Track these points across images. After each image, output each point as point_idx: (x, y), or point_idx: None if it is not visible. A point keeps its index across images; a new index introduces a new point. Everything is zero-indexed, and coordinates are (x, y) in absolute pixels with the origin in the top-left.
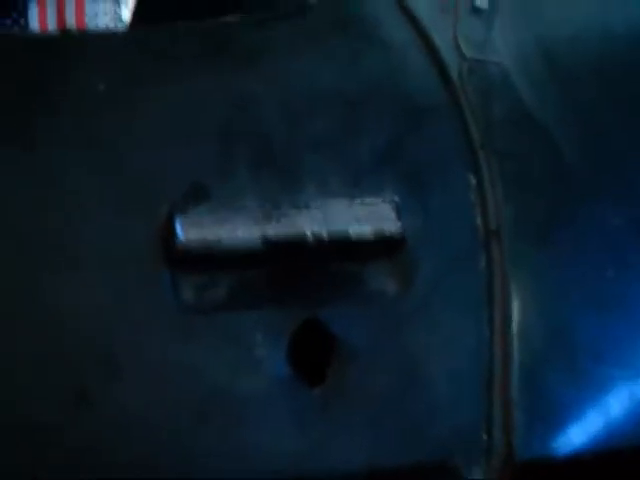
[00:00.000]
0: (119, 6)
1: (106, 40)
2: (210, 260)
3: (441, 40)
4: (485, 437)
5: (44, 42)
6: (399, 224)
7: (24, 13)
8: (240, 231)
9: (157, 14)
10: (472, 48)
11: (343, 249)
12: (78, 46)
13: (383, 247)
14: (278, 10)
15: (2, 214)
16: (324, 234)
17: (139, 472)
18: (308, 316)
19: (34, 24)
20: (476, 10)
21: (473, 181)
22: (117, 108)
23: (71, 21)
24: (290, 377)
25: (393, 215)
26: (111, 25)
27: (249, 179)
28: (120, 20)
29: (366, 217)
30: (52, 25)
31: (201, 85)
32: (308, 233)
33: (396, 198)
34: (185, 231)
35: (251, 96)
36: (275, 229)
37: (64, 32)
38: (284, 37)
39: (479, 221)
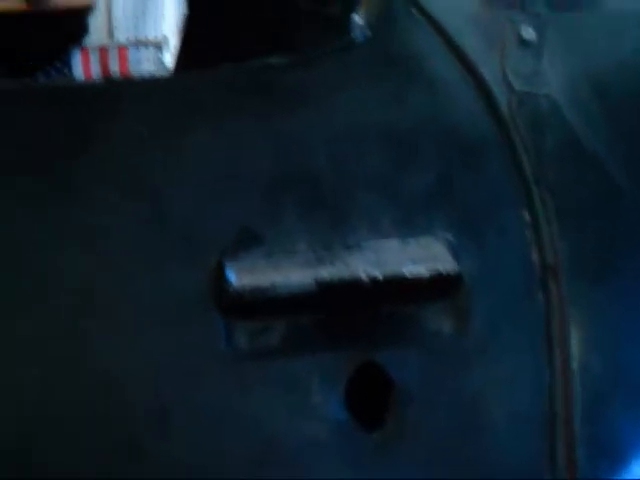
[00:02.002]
0: (162, 52)
1: (149, 86)
2: (263, 305)
3: (489, 74)
4: (549, 477)
5: (87, 90)
6: (455, 263)
7: (67, 62)
8: (293, 275)
9: (201, 59)
10: (521, 81)
11: (398, 290)
12: (121, 93)
13: (439, 287)
14: (326, 47)
15: (48, 269)
16: (379, 275)
17: None
18: (364, 360)
19: (78, 73)
20: (524, 42)
21: (527, 218)
22: (161, 155)
23: (114, 69)
24: (348, 422)
25: (448, 254)
26: (154, 71)
27: (299, 222)
28: (163, 66)
29: (421, 257)
30: (96, 73)
31: (246, 129)
32: (362, 275)
33: (450, 237)
34: (237, 277)
35: (297, 137)
36: (329, 272)
37: (107, 79)
38: (331, 75)
39: (535, 258)
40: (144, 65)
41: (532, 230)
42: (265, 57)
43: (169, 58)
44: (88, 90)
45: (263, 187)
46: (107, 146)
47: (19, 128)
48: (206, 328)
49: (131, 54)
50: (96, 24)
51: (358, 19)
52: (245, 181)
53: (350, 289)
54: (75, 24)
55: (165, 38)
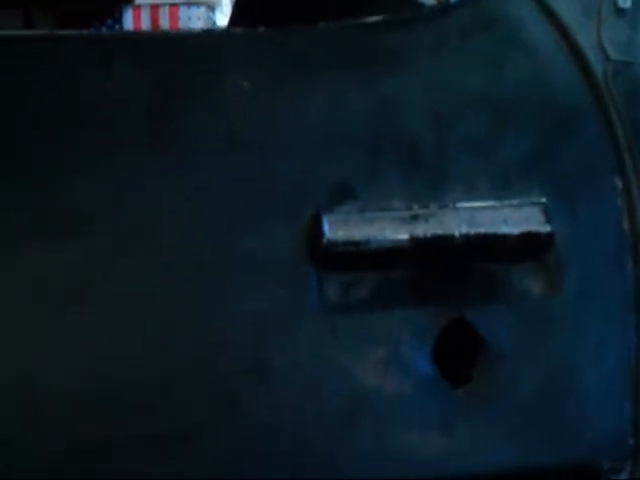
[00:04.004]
0: (213, 12)
1: (249, 39)
2: (356, 259)
3: (585, 42)
4: (632, 441)
5: (188, 39)
6: (548, 226)
7: (119, 18)
8: (387, 230)
9: (255, 19)
10: (616, 49)
11: (491, 249)
12: (222, 45)
13: (531, 248)
14: (410, 11)
15: (146, 220)
16: (472, 234)
17: (288, 474)
18: (454, 316)
19: (128, 29)
20: (620, 11)
21: (620, 184)
22: (262, 108)
23: (165, 26)
24: (435, 377)
25: (542, 217)
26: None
27: (396, 180)
28: (214, 25)
29: (515, 219)
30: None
31: (346, 87)
32: (456, 233)
33: (544, 201)
34: (332, 230)
35: (397, 99)
36: (423, 229)
37: (206, 31)
38: (429, 38)
39: (626, 225)
40: (194, 23)
41: (624, 197)
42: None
43: (222, 19)
44: (189, 40)
45: (362, 145)
46: (207, 96)
47: (121, 77)
48: (300, 281)
49: (182, 12)
50: None
51: None
52: (345, 138)
53: (443, 246)
54: None
55: None
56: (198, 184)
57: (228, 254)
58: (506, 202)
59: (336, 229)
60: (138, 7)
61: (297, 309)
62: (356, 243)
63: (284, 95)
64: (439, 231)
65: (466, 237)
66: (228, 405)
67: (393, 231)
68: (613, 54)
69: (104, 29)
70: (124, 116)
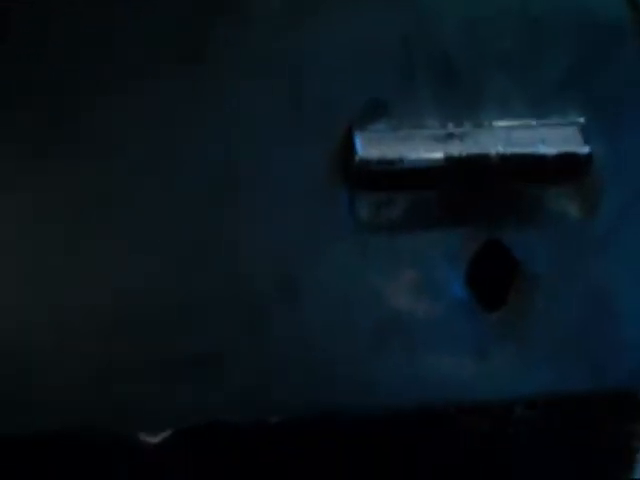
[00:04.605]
0: None
1: None
2: (388, 177)
3: None
4: None
5: None
6: (586, 147)
7: None
8: (422, 149)
9: None
10: None
11: (528, 170)
12: None
13: (568, 169)
14: None
15: (177, 140)
16: (508, 153)
17: (317, 396)
18: (489, 238)
19: None
20: None
21: None
22: (293, 23)
23: None
24: (469, 300)
25: (580, 138)
26: None
27: (431, 97)
28: None
29: (552, 139)
30: None
31: (381, 5)
32: (492, 153)
33: (582, 120)
34: (364, 148)
35: (432, 13)
36: (458, 148)
37: None
38: None
39: None
40: None
41: None
42: None
43: None
44: None
45: (396, 60)
46: (240, 18)
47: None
48: (332, 199)
49: None
50: None
51: None
52: (377, 54)
53: (478, 166)
54: None
55: None
56: (229, 105)
57: (259, 173)
58: (543, 121)
59: (369, 147)
60: None
61: (328, 228)
62: (389, 161)
63: (317, 14)
64: (474, 150)
65: (502, 157)
66: (259, 325)
67: (427, 150)
68: None
69: None
70: (152, 34)
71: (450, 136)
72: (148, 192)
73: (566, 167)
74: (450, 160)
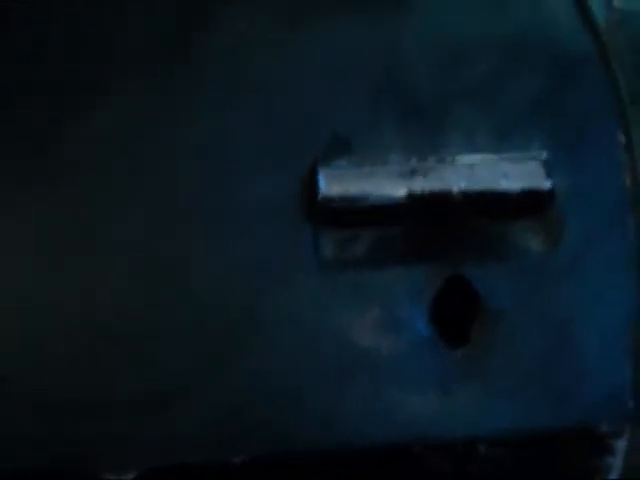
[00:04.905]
0: None
1: None
2: (352, 214)
3: None
4: (631, 404)
5: None
6: (549, 182)
7: None
8: (385, 186)
9: None
10: None
11: (490, 206)
12: None
13: (531, 205)
14: None
15: (144, 165)
16: (471, 189)
17: (280, 432)
18: (451, 273)
19: None
20: None
21: (622, 139)
22: (260, 50)
23: None
24: (433, 337)
25: (542, 172)
26: None
27: (394, 132)
28: None
29: (515, 173)
30: None
31: (349, 31)
32: (455, 188)
33: (545, 154)
34: (327, 184)
35: (397, 43)
36: (421, 184)
37: None
38: None
39: (628, 181)
40: None
41: (626, 152)
42: None
43: None
44: None
45: (361, 94)
46: (204, 38)
47: (115, 20)
48: (294, 236)
49: None
50: None
51: None
52: (344, 87)
53: (441, 202)
54: None
55: None
56: (195, 135)
57: (224, 203)
58: (506, 155)
59: (331, 183)
60: None
61: (292, 265)
62: (352, 198)
63: (283, 37)
64: (437, 187)
65: (464, 193)
66: (224, 359)
67: (390, 187)
68: (618, 3)
69: None
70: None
71: (413, 172)
72: (104, 221)
73: (528, 202)
74: (413, 197)
